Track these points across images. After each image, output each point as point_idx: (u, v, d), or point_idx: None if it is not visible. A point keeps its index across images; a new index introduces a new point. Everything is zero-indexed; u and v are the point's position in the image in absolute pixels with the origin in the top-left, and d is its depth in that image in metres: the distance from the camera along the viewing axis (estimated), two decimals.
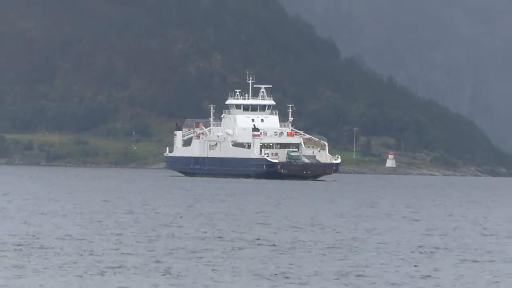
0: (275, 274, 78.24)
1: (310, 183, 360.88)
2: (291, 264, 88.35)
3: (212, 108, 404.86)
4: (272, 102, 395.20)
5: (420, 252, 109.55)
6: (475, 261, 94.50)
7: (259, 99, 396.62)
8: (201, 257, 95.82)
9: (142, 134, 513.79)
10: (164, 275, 77.70)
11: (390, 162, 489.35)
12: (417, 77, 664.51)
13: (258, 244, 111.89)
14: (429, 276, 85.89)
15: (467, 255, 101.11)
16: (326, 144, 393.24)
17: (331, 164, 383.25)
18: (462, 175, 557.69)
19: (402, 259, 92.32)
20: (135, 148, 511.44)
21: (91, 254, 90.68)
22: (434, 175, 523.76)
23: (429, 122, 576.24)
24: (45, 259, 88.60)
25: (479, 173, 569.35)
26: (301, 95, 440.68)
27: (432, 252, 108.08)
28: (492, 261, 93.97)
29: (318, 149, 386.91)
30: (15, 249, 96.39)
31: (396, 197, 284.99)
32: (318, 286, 68.69)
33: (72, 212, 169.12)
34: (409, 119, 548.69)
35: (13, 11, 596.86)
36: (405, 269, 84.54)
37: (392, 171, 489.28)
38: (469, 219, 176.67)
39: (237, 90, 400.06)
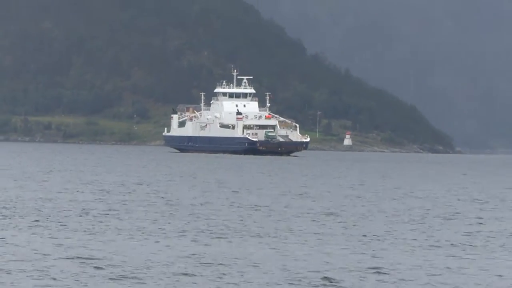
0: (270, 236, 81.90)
1: (284, 158, 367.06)
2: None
3: (202, 95, 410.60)
4: (253, 91, 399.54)
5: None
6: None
7: (241, 88, 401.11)
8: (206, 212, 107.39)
9: (142, 117, 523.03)
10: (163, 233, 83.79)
11: (347, 141, 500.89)
12: (370, 69, 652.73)
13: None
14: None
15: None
16: (297, 126, 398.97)
17: (302, 143, 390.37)
18: (407, 152, 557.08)
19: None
20: (136, 128, 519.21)
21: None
22: (383, 151, 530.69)
23: (379, 108, 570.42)
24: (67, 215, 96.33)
25: (421, 150, 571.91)
26: (275, 85, 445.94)
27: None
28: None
29: (291, 130, 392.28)
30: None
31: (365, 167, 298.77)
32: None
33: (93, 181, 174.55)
34: (363, 105, 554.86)
35: (36, 14, 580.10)
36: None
37: (348, 148, 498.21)
38: (404, 189, 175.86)
39: (223, 81, 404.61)
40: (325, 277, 55.92)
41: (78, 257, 64.41)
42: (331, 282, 52.00)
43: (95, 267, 60.04)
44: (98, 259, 64.71)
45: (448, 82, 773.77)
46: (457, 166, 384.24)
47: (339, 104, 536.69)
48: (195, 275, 57.66)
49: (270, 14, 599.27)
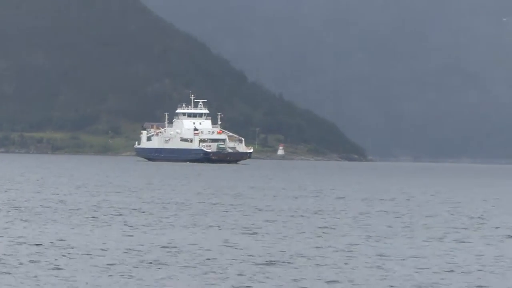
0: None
1: (233, 166, 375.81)
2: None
3: (166, 115, 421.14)
4: (206, 111, 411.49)
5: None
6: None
7: (197, 109, 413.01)
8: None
9: (116, 133, 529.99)
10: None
11: (280, 151, 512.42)
12: (299, 94, 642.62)
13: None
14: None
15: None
16: (243, 139, 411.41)
17: (246, 153, 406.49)
18: (328, 160, 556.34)
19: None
20: (111, 142, 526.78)
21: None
22: (309, 160, 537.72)
23: (306, 124, 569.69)
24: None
25: (339, 159, 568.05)
26: (223, 106, 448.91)
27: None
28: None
29: (237, 143, 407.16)
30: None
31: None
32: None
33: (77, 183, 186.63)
34: (293, 122, 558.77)
35: (31, 50, 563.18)
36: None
37: (281, 157, 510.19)
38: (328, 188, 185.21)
39: (183, 103, 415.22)
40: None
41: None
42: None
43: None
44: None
45: (362, 103, 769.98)
46: (358, 170, 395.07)
47: (274, 122, 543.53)
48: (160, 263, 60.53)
49: (218, 50, 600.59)
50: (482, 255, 67.94)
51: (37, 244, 70.44)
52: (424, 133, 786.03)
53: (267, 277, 52.53)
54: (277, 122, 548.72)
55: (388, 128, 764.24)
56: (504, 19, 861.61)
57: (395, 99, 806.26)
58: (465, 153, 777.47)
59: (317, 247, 70.70)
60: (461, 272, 57.58)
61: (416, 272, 56.74)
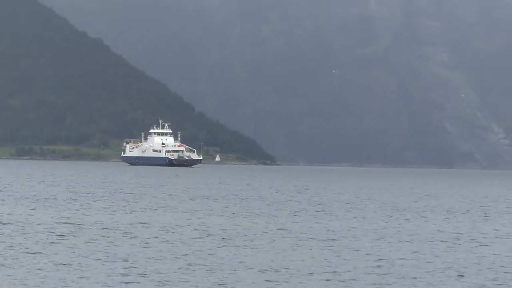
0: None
1: (189, 168, 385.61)
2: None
3: (143, 134, 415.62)
4: (170, 131, 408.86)
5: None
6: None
7: (164, 129, 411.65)
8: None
9: (106, 146, 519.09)
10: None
11: (217, 159, 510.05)
12: (230, 118, 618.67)
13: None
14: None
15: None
16: (195, 150, 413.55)
17: (197, 159, 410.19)
18: (249, 165, 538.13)
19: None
20: (102, 152, 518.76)
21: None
22: (237, 164, 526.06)
23: (235, 140, 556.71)
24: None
25: (257, 164, 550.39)
26: (180, 128, 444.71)
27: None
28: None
29: (191, 153, 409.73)
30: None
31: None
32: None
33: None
34: (226, 138, 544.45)
35: (41, 88, 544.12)
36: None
37: (218, 163, 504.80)
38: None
39: (154, 125, 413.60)
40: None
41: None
42: None
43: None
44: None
45: (273, 126, 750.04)
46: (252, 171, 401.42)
47: (213, 139, 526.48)
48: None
49: (175, 89, 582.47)
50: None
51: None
52: (317, 144, 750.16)
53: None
54: (215, 138, 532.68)
55: (291, 142, 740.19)
56: (334, 71, 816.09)
57: (295, 112, 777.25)
58: (345, 159, 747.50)
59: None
60: None
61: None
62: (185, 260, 52.93)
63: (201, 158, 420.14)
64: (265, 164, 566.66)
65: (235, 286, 42.93)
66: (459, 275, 48.91)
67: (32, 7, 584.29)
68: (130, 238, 67.32)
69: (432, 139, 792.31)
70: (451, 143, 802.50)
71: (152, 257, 53.99)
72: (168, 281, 43.74)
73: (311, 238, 69.23)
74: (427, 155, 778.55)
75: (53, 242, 60.84)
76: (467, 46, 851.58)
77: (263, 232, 75.09)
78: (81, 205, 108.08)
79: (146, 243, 63.26)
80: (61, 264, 50.16)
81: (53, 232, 69.24)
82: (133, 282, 42.75)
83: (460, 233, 79.53)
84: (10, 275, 43.81)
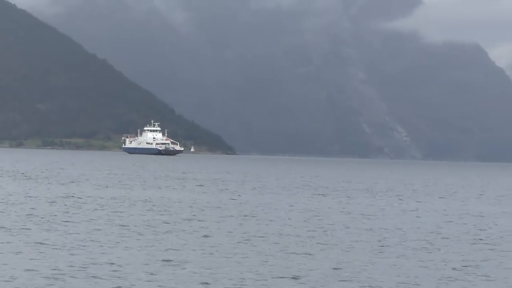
0: None
1: (172, 157, 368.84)
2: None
3: (139, 131, 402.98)
4: (159, 128, 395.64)
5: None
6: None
7: (155, 127, 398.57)
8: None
9: (109, 139, 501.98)
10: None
11: (193, 149, 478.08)
12: (204, 119, 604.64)
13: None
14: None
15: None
16: (178, 143, 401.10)
17: (180, 150, 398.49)
18: (217, 154, 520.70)
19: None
20: (106, 144, 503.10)
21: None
22: (206, 154, 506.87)
23: (206, 136, 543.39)
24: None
25: (222, 154, 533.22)
26: (165, 127, 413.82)
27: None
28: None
29: (175, 145, 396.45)
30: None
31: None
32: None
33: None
34: (198, 135, 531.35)
35: (66, 97, 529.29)
36: None
37: (193, 153, 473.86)
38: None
39: (148, 124, 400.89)
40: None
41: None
42: None
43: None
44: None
45: (235, 125, 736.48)
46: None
47: (189, 135, 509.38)
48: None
49: (161, 98, 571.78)
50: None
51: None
52: (267, 139, 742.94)
53: None
54: (190, 134, 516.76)
55: (247, 137, 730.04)
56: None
57: (251, 121, 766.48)
58: (287, 151, 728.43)
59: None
60: None
61: None
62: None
63: (182, 149, 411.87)
64: (227, 154, 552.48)
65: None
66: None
67: (55, 35, 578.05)
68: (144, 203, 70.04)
69: (352, 137, 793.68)
70: (366, 140, 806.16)
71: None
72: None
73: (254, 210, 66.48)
74: (348, 148, 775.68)
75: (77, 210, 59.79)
76: (377, 68, 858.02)
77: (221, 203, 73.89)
78: (119, 180, 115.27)
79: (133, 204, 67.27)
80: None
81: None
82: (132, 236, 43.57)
83: (377, 207, 76.76)
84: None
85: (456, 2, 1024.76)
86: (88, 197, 75.84)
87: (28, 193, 77.28)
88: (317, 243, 43.93)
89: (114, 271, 31.29)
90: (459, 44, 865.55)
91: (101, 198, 75.70)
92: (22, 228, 46.12)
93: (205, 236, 46.28)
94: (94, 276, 29.65)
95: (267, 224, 54.63)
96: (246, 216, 61.23)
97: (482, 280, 32.73)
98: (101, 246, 39.47)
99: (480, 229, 57.59)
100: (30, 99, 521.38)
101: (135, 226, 50.47)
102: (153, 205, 68.32)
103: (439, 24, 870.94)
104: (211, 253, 38.09)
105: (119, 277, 29.72)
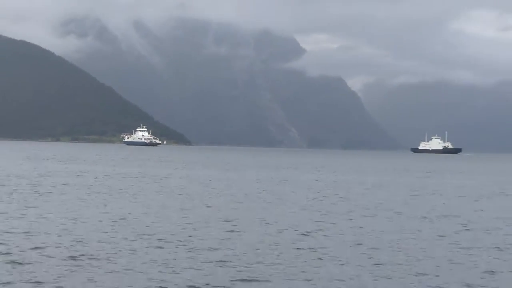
0: None
1: (154, 147, 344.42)
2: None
3: (133, 131, 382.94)
4: (146, 129, 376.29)
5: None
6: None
7: (143, 128, 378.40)
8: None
9: (113, 136, 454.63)
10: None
11: (165, 142, 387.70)
12: (171, 121, 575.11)
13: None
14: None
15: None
16: (157, 138, 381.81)
17: (159, 143, 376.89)
18: (180, 146, 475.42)
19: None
20: (113, 139, 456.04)
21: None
22: (173, 145, 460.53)
23: (175, 135, 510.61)
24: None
25: (183, 145, 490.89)
26: (148, 128, 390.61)
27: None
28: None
29: (156, 140, 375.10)
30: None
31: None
32: None
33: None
34: (170, 134, 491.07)
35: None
36: None
37: (165, 144, 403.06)
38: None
39: (139, 127, 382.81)
40: None
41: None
42: None
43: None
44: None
45: (197, 126, 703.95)
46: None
47: (164, 133, 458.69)
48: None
49: (146, 111, 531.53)
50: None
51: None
52: (211, 133, 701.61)
53: None
54: (163, 133, 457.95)
55: (201, 133, 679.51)
56: None
57: (203, 123, 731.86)
58: (227, 142, 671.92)
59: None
60: None
61: None
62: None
63: (160, 142, 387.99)
64: (186, 145, 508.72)
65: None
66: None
67: (77, 70, 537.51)
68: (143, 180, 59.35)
69: (263, 134, 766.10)
70: (272, 135, 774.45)
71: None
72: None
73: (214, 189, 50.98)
74: (260, 140, 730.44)
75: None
76: (279, 91, 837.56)
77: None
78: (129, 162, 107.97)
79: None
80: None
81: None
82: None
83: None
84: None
85: (327, 51, 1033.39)
86: (118, 174, 70.27)
87: (92, 170, 74.05)
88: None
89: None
90: (329, 76, 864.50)
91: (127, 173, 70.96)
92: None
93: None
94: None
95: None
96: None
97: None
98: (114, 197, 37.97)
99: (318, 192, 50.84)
100: (65, 111, 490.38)
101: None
102: (144, 176, 64.85)
103: (316, 64, 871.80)
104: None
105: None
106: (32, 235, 23.36)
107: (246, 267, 18.69)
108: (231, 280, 16.89)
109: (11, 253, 19.83)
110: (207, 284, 16.36)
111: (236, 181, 58.88)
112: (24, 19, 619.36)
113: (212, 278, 17.02)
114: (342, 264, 19.54)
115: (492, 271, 19.22)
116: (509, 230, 29.85)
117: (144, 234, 24.23)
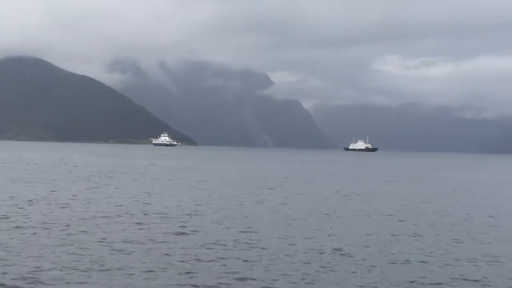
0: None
1: (173, 147, 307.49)
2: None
3: (158, 136, 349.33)
4: (167, 134, 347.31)
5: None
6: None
7: (165, 135, 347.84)
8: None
9: (144, 140, 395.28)
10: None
11: (179, 144, 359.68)
12: (183, 126, 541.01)
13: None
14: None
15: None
16: (175, 140, 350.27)
17: (176, 144, 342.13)
18: (192, 146, 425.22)
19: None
20: (144, 142, 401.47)
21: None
22: (186, 146, 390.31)
23: (185, 138, 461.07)
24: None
25: (190, 145, 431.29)
26: (168, 134, 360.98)
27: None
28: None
29: (174, 141, 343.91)
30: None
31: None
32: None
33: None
34: (180, 137, 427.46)
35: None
36: None
37: (179, 145, 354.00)
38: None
39: (162, 133, 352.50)
40: None
41: None
42: None
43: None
44: None
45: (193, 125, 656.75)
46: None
47: (177, 137, 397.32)
48: None
49: (166, 121, 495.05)
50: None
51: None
52: (213, 135, 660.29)
53: None
54: (179, 136, 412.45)
55: (202, 136, 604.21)
56: None
57: (204, 129, 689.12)
58: (217, 143, 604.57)
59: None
60: None
61: None
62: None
63: (176, 143, 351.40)
64: (193, 145, 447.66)
65: None
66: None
67: (116, 94, 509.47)
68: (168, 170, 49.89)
69: (250, 137, 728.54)
70: (252, 138, 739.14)
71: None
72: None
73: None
74: (246, 142, 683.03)
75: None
76: (260, 108, 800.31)
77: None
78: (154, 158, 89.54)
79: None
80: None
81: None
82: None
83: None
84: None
85: (288, 83, 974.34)
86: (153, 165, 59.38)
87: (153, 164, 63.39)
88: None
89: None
90: (289, 100, 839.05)
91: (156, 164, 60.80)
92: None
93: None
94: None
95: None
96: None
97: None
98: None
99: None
100: (113, 121, 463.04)
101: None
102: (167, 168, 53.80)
103: (281, 92, 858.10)
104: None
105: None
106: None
107: None
108: None
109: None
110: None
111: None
112: (85, 61, 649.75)
113: None
114: None
115: None
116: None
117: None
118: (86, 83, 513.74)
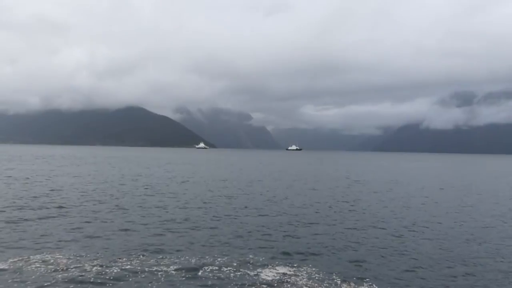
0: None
1: (206, 149, 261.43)
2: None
3: (199, 143, 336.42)
4: (203, 142, 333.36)
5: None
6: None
7: (201, 144, 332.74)
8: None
9: (189, 145, 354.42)
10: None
11: (207, 147, 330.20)
12: (212, 137, 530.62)
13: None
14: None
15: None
16: (207, 146, 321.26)
17: (206, 147, 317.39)
18: (211, 148, 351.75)
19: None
20: (189, 146, 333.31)
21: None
22: (209, 148, 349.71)
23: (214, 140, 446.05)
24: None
25: (214, 148, 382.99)
26: (204, 142, 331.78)
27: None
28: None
29: (206, 146, 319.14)
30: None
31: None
32: None
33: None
34: (205, 140, 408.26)
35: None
36: None
37: (207, 148, 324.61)
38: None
39: (201, 142, 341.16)
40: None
41: None
42: None
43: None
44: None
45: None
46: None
47: (206, 143, 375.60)
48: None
49: (201, 135, 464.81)
50: None
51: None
52: (223, 142, 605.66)
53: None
54: (206, 143, 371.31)
55: (220, 143, 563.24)
56: None
57: (222, 138, 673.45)
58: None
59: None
60: None
61: None
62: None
63: (206, 147, 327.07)
64: (214, 148, 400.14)
65: None
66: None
67: (180, 126, 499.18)
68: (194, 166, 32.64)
69: (238, 145, 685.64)
70: (240, 142, 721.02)
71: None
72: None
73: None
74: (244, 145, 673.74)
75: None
76: (246, 131, 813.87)
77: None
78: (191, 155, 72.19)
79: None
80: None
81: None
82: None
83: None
84: None
85: (259, 119, 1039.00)
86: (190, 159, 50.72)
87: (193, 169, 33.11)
88: None
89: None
90: (257, 126, 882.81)
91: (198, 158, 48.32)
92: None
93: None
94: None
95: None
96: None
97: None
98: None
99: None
100: (174, 135, 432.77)
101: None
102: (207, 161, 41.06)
103: (256, 122, 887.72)
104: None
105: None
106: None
107: None
108: None
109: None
110: None
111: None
112: (163, 107, 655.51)
113: None
114: None
115: None
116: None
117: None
118: (164, 120, 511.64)
